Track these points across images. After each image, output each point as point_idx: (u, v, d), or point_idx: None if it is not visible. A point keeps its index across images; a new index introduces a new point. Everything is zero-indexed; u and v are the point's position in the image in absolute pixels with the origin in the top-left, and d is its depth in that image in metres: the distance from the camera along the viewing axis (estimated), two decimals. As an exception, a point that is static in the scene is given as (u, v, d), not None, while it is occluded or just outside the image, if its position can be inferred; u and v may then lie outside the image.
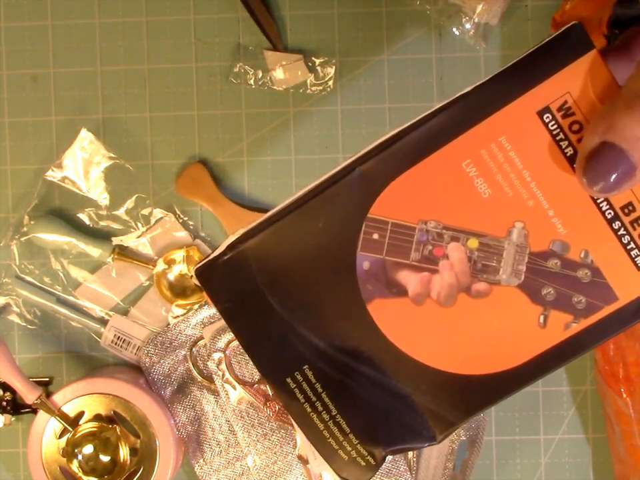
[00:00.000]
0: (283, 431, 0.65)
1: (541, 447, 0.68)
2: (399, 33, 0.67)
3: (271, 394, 0.65)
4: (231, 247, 0.36)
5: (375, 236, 0.36)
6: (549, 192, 0.35)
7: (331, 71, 0.67)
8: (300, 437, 0.62)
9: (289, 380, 0.37)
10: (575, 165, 0.34)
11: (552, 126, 0.35)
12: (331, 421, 0.37)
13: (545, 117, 0.35)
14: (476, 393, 0.36)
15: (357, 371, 0.37)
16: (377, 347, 0.36)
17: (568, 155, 0.35)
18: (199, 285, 0.37)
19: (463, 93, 0.35)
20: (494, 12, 0.65)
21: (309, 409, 0.37)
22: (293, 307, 0.37)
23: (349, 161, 0.36)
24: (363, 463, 0.38)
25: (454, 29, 0.67)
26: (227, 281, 0.37)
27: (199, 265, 0.37)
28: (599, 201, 0.35)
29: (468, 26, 0.66)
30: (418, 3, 0.67)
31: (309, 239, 0.36)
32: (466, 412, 0.37)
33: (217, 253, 0.36)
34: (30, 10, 0.68)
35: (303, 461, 0.64)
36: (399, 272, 0.36)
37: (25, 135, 0.68)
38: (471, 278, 0.36)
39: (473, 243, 0.36)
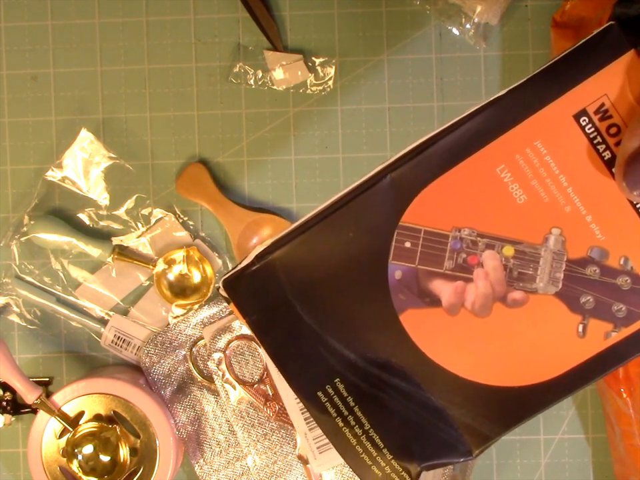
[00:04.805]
0: (283, 431, 0.65)
1: (541, 447, 0.68)
2: (399, 33, 0.67)
3: (271, 394, 0.65)
4: (259, 257, 0.35)
5: (407, 244, 0.35)
6: (587, 197, 0.34)
7: (331, 71, 0.67)
8: (300, 437, 0.62)
9: (319, 393, 0.36)
10: (613, 169, 0.33)
11: (589, 129, 0.33)
12: (363, 436, 0.36)
13: (581, 120, 0.33)
14: (513, 406, 0.35)
15: (390, 384, 0.36)
16: (410, 359, 0.35)
17: (606, 158, 0.33)
18: (226, 296, 0.36)
19: (496, 96, 0.34)
20: (494, 12, 0.65)
21: (340, 424, 0.36)
22: (323, 318, 0.35)
23: (380, 167, 0.34)
24: (397, 479, 0.36)
25: (454, 29, 0.67)
26: (255, 293, 0.35)
27: (226, 276, 0.35)
28: (638, 206, 0.34)
29: (468, 26, 0.66)
30: (418, 2, 0.67)
31: (338, 248, 0.35)
32: (503, 425, 0.35)
33: (244, 263, 0.35)
34: (30, 10, 0.68)
35: (303, 461, 0.64)
36: (432, 281, 0.35)
37: (25, 135, 0.68)
38: (507, 287, 0.35)
39: (509, 250, 0.35)
